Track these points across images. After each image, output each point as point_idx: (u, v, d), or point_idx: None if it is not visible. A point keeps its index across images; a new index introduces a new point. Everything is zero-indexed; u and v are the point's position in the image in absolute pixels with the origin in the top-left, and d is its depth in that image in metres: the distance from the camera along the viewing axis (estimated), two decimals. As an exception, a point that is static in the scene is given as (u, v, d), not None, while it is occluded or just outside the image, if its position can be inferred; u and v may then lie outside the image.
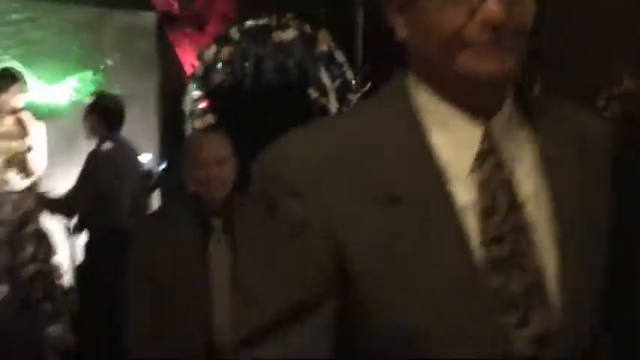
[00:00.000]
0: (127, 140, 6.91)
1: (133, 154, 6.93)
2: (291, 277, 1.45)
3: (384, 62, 6.02)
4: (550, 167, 1.57)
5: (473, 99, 1.53)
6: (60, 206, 6.62)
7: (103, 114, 6.73)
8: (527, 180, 1.53)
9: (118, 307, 6.54)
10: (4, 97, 6.88)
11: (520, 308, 1.47)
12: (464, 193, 1.49)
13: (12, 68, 7.24)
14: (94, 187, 6.50)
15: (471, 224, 1.48)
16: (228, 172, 3.67)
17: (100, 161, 6.59)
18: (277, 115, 7.40)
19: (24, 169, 6.86)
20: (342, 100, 7.61)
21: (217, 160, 3.61)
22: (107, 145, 6.63)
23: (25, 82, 7.13)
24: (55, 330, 6.91)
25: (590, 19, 6.09)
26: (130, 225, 6.39)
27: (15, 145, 6.86)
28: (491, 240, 1.49)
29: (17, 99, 6.98)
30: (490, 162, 1.51)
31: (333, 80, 7.67)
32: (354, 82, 7.52)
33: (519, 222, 1.51)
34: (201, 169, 3.61)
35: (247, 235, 1.61)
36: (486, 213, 1.50)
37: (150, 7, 8.72)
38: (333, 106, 7.70)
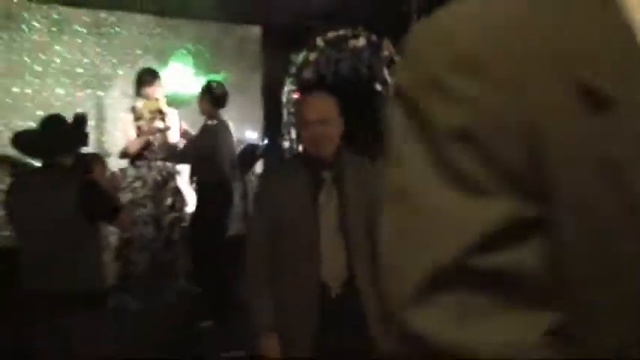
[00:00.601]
0: (225, 120, 7.47)
1: (228, 129, 7.44)
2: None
3: None
4: None
5: None
6: (178, 158, 7.30)
7: (211, 97, 7.37)
8: None
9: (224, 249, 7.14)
10: (150, 89, 7.25)
11: None
12: None
13: (153, 68, 7.63)
14: (198, 150, 7.25)
15: None
16: (332, 130, 3.46)
17: (204, 132, 7.32)
18: (351, 104, 8.52)
19: (164, 141, 7.24)
20: None
21: (320, 120, 3.41)
22: (211, 122, 7.30)
23: (161, 79, 7.46)
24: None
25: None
26: (229, 179, 7.34)
27: (158, 124, 7.24)
28: None
29: (158, 91, 7.31)
30: None
31: (393, 77, 8.52)
32: None
33: None
34: (307, 129, 3.47)
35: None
36: None
37: (257, 23, 9.46)
38: None
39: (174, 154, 7.35)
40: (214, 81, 7.71)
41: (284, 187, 3.52)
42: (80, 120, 4.58)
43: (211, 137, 7.22)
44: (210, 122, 7.32)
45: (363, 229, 3.37)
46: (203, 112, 7.39)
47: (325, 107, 3.51)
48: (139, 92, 7.34)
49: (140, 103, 7.28)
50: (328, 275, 3.39)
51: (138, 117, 7.23)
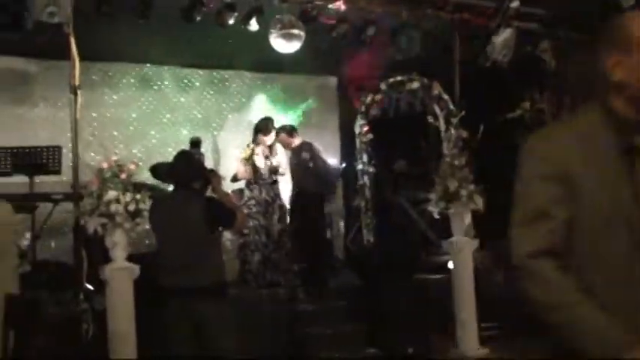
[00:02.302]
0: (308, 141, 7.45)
1: (312, 146, 7.39)
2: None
3: (472, 99, 7.19)
4: None
5: None
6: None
7: (285, 130, 7.44)
8: None
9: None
10: (266, 137, 7.29)
11: None
12: None
13: (269, 118, 7.58)
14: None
15: None
16: None
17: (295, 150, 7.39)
18: (408, 132, 8.46)
19: (272, 169, 7.30)
20: (447, 122, 8.21)
21: None
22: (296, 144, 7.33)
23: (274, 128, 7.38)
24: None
25: None
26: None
27: (268, 162, 7.29)
28: None
29: (271, 137, 7.34)
30: None
31: (442, 110, 8.29)
32: (454, 111, 7.99)
33: None
34: None
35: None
36: None
37: (333, 74, 9.68)
38: (442, 126, 8.32)
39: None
40: (285, 125, 7.74)
41: None
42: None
43: (302, 153, 7.34)
44: (295, 144, 7.40)
45: None
46: (283, 143, 7.44)
47: None
48: (255, 139, 7.36)
49: (258, 148, 7.31)
50: None
51: (249, 156, 7.31)
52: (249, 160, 7.31)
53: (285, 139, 7.38)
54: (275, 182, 7.42)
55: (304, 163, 7.26)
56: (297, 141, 7.43)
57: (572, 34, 7.97)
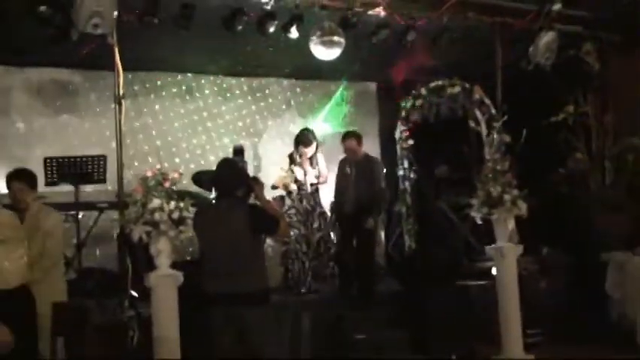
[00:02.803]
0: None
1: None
2: None
3: (513, 103, 7.19)
4: None
5: None
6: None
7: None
8: None
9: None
10: (307, 149, 7.25)
11: None
12: None
13: (310, 130, 7.52)
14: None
15: None
16: None
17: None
18: (449, 137, 8.48)
19: (314, 176, 7.30)
20: (489, 127, 8.14)
21: None
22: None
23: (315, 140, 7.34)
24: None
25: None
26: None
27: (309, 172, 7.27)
28: None
29: (312, 149, 7.30)
30: None
31: (483, 115, 8.20)
32: (496, 115, 7.92)
33: None
34: None
35: None
36: None
37: (373, 80, 9.76)
38: (484, 131, 8.23)
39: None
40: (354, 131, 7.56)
41: None
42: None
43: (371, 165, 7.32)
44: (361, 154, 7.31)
45: None
46: (351, 150, 7.22)
47: None
48: (297, 149, 7.34)
49: (297, 157, 7.31)
50: None
51: (292, 166, 7.32)
52: (290, 173, 7.33)
53: (354, 147, 7.17)
54: (316, 191, 7.44)
55: (368, 176, 7.14)
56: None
57: (615, 36, 7.86)
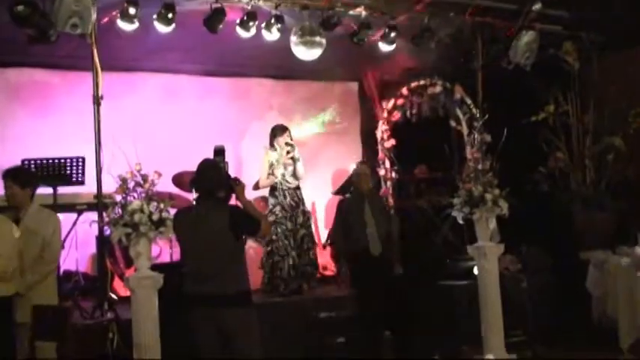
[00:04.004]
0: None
1: None
2: None
3: (494, 102, 7.22)
4: None
5: None
6: None
7: None
8: None
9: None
10: (282, 138, 7.27)
11: None
12: None
13: (282, 124, 7.53)
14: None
15: None
16: None
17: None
18: (431, 137, 8.33)
19: (294, 174, 7.29)
20: (470, 126, 8.28)
21: None
22: None
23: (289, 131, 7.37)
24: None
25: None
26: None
27: (287, 159, 7.26)
28: None
29: (285, 139, 7.28)
30: None
31: (464, 114, 8.36)
32: (477, 115, 8.10)
33: None
34: None
35: None
36: None
37: (354, 80, 9.71)
38: (465, 130, 8.37)
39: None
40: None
41: None
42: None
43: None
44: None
45: None
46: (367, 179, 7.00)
47: None
48: (272, 143, 7.36)
49: (274, 153, 7.33)
50: None
51: (271, 162, 7.32)
52: (270, 165, 7.33)
53: (369, 173, 7.02)
54: (298, 188, 7.43)
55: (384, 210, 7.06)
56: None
57: (595, 36, 7.92)
